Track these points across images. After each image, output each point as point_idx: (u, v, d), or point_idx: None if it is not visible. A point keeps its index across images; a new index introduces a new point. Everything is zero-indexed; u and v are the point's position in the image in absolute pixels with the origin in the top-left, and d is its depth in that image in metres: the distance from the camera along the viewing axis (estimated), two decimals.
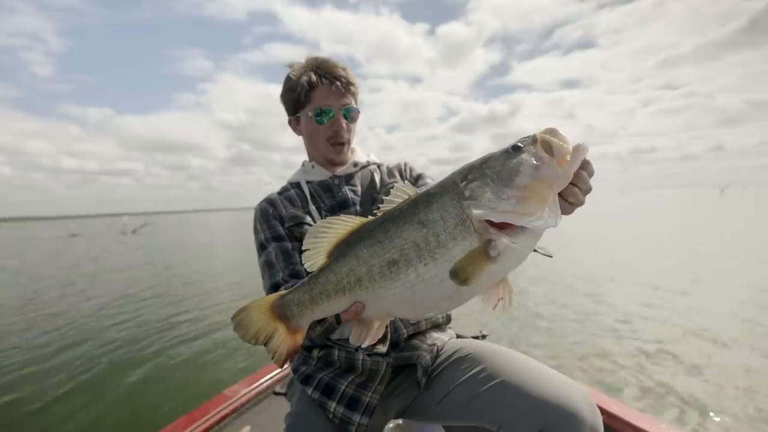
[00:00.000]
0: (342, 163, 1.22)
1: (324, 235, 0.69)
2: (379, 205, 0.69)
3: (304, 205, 1.15)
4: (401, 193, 0.68)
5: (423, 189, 0.68)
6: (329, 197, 1.17)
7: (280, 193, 1.21)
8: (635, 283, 6.90)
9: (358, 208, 1.16)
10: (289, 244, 1.09)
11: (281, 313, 0.74)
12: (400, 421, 1.36)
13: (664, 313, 5.23)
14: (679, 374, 3.52)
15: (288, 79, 1.16)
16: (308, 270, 0.71)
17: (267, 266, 1.06)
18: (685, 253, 9.68)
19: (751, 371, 3.50)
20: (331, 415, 0.98)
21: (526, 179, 0.57)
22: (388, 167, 1.28)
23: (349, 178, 1.21)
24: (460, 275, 0.60)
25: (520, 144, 0.60)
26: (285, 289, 0.96)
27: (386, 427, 1.29)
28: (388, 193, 1.15)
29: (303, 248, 0.70)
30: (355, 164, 1.23)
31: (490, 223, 0.59)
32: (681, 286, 6.53)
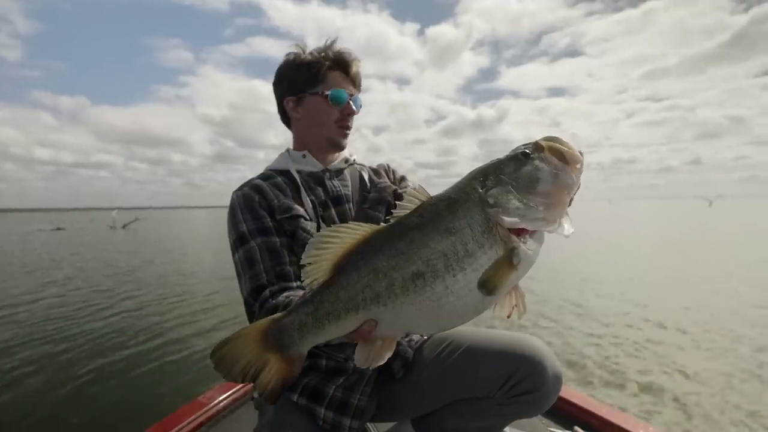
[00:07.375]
0: (343, 148, 1.18)
1: (328, 246, 0.61)
2: (384, 207, 0.64)
3: (295, 195, 1.06)
4: (414, 198, 0.62)
5: (435, 195, 0.64)
6: (323, 191, 1.10)
7: (264, 179, 1.09)
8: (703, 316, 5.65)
9: (352, 205, 1.11)
10: (277, 240, 0.97)
11: (277, 340, 0.65)
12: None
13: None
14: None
15: (299, 56, 1.10)
16: (307, 287, 0.64)
17: (248, 264, 0.95)
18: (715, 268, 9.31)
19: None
20: (321, 422, 0.94)
21: (547, 186, 0.57)
22: (371, 167, 1.27)
23: (338, 173, 1.17)
24: (488, 285, 0.58)
25: (527, 150, 0.60)
26: (271, 293, 0.90)
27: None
28: (379, 192, 1.14)
29: (302, 262, 0.62)
30: (346, 160, 1.20)
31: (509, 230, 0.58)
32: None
